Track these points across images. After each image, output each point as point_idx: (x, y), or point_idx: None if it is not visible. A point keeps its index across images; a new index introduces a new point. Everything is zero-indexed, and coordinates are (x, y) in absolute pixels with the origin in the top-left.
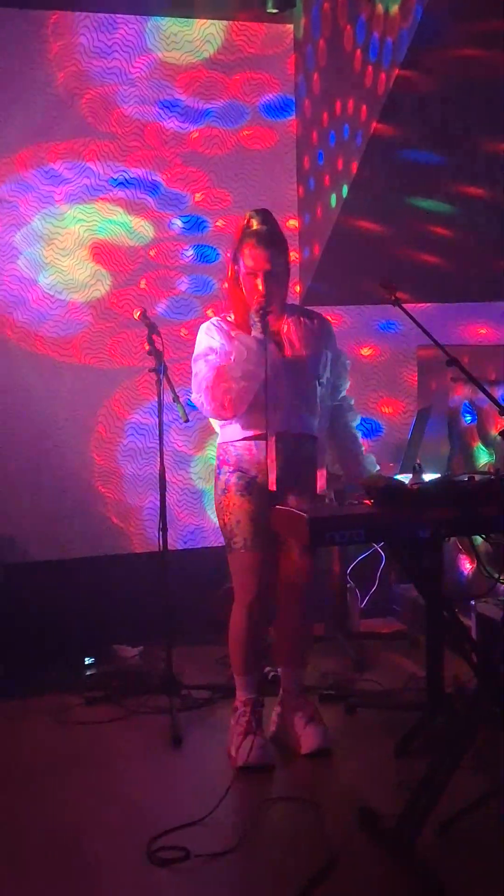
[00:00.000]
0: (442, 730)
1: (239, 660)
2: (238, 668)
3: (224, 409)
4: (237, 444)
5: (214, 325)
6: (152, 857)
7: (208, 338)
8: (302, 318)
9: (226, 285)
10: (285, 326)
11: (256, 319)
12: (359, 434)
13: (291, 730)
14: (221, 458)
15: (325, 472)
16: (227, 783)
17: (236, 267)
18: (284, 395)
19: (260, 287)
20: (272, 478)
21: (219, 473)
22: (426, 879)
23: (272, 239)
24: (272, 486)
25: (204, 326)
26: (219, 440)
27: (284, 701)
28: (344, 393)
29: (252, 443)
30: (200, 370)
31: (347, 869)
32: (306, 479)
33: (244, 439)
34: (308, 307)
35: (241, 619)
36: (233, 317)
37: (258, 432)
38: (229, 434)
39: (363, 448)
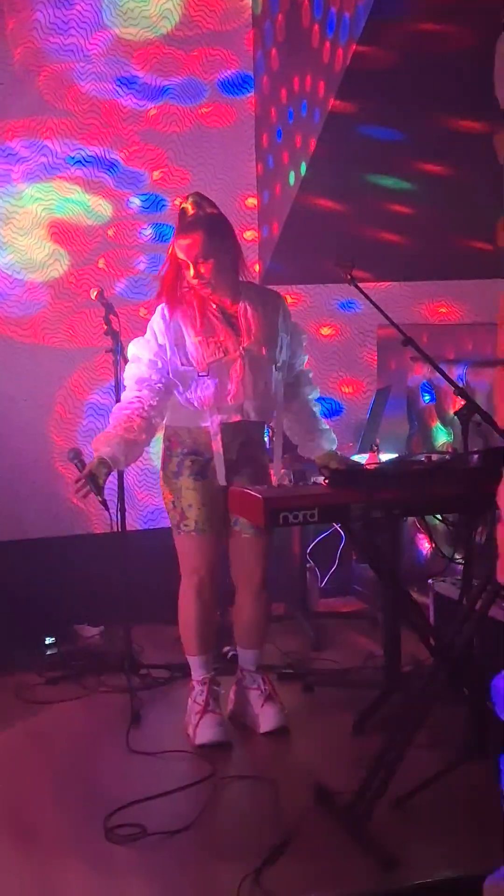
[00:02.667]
0: (398, 707)
1: (192, 641)
2: (191, 650)
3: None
4: (190, 429)
5: (166, 317)
6: (110, 834)
7: (146, 342)
8: (258, 301)
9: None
10: (243, 309)
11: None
12: (317, 408)
13: (249, 708)
14: (172, 439)
15: (279, 462)
16: (185, 761)
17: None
18: (239, 386)
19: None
20: (221, 472)
21: (170, 456)
22: (381, 855)
23: (210, 223)
24: (222, 481)
25: (157, 315)
26: (167, 422)
27: (241, 680)
28: (302, 367)
29: (204, 433)
30: (127, 377)
31: (303, 845)
32: (261, 467)
33: (196, 428)
34: (265, 286)
35: (191, 601)
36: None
37: (208, 423)
38: (181, 419)
39: (322, 423)
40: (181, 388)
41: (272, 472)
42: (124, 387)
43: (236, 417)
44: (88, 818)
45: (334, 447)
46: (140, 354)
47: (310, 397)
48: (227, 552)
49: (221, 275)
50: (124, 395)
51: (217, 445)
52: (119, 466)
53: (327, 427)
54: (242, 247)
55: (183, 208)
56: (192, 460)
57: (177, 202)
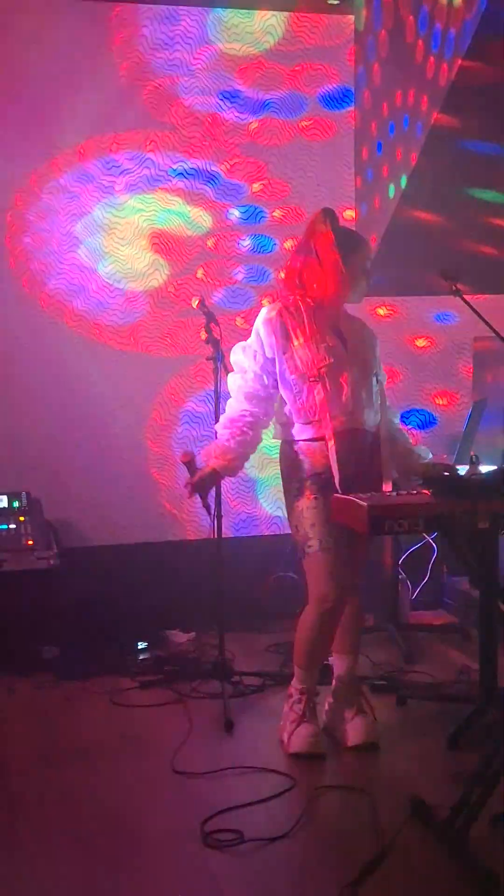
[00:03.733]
0: (493, 723)
1: (304, 657)
2: (301, 663)
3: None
4: (309, 444)
5: (273, 320)
6: (207, 839)
7: (252, 353)
8: (353, 320)
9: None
10: (344, 315)
11: None
12: (402, 428)
13: (340, 721)
14: (291, 460)
15: (390, 472)
16: (279, 769)
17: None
18: (350, 391)
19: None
20: (338, 478)
21: (289, 479)
22: (479, 871)
23: None
24: (339, 487)
25: (262, 319)
26: (282, 436)
27: (336, 691)
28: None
29: (318, 444)
30: (232, 389)
31: (400, 858)
32: (373, 476)
33: (313, 439)
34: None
35: (315, 624)
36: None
37: (323, 434)
38: (294, 433)
39: (411, 440)
40: (291, 398)
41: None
42: (228, 395)
43: (349, 424)
44: (184, 822)
45: (430, 457)
46: (245, 366)
47: (394, 420)
48: None
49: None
50: (231, 407)
51: (332, 454)
52: (229, 475)
53: (418, 445)
54: None
55: (331, 215)
56: (312, 480)
57: (276, 214)
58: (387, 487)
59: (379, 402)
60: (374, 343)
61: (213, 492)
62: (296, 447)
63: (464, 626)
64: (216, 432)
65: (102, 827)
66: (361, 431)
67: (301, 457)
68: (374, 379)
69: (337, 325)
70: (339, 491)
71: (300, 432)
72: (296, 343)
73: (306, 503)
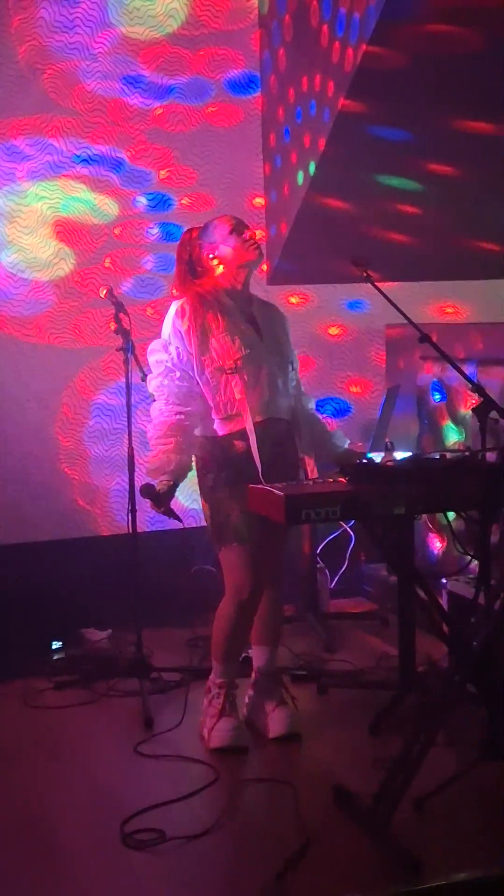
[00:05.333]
0: (415, 708)
1: (222, 649)
2: (218, 655)
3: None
4: (227, 438)
5: (186, 313)
6: (127, 839)
7: (168, 353)
8: (264, 305)
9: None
10: (257, 304)
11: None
12: (319, 415)
13: (261, 713)
14: (208, 452)
15: (311, 458)
16: (200, 765)
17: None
18: (268, 381)
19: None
20: (261, 471)
21: (204, 472)
22: (403, 856)
23: None
24: (262, 478)
25: (175, 313)
26: (200, 431)
27: (257, 683)
28: (297, 379)
29: (237, 437)
30: (157, 391)
31: (324, 848)
32: (290, 464)
33: (228, 435)
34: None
35: (233, 615)
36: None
37: (242, 427)
38: (210, 428)
39: (327, 426)
40: (210, 393)
41: (307, 468)
42: (140, 386)
43: (266, 415)
44: (104, 824)
45: (347, 444)
46: (167, 365)
47: (310, 407)
48: None
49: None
50: (160, 410)
51: (253, 447)
52: (180, 482)
53: (335, 430)
54: None
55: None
56: (227, 472)
57: (185, 201)
58: (312, 473)
59: (294, 388)
60: (288, 328)
61: (125, 487)
62: (213, 441)
63: (383, 612)
64: (153, 442)
65: (19, 831)
66: (278, 421)
67: (218, 450)
68: (290, 366)
69: (249, 312)
70: (263, 482)
71: (220, 427)
72: (211, 335)
73: (221, 495)
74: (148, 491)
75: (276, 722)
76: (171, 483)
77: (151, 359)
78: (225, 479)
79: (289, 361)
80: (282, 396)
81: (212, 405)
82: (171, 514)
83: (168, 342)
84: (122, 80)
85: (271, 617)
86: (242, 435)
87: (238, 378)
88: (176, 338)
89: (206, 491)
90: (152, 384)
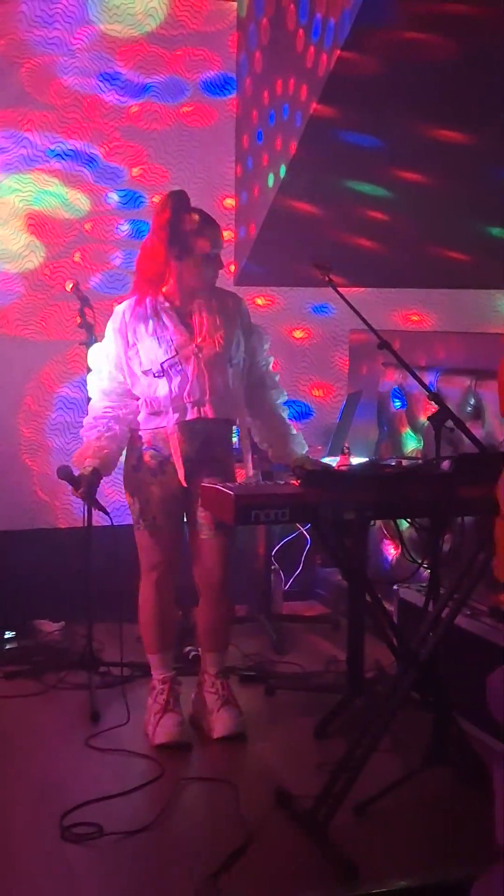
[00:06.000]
0: (361, 712)
1: (151, 637)
2: (151, 647)
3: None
4: (153, 431)
5: (120, 319)
6: (65, 833)
7: (105, 354)
8: (214, 299)
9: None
10: (198, 307)
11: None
12: (285, 412)
13: (206, 712)
14: (134, 437)
15: (249, 462)
16: (143, 761)
17: (174, 249)
18: (196, 382)
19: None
20: (180, 471)
21: (131, 450)
22: (340, 861)
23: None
24: (182, 480)
25: (111, 319)
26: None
27: (202, 682)
28: (265, 369)
29: (161, 435)
30: (91, 388)
31: (263, 848)
32: (225, 467)
33: (154, 429)
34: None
35: (150, 597)
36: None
37: (166, 425)
38: (144, 421)
39: (291, 428)
40: (142, 391)
41: (243, 471)
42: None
43: (193, 415)
44: (43, 816)
45: (305, 451)
46: (101, 366)
47: (277, 401)
48: (190, 554)
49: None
50: (94, 407)
51: (174, 444)
52: (105, 474)
53: (296, 432)
54: None
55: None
56: (150, 455)
57: (155, 199)
58: (240, 476)
59: (240, 390)
60: (239, 320)
61: None
62: (139, 432)
63: (335, 616)
64: (82, 433)
65: None
66: (210, 421)
67: (142, 441)
68: (228, 365)
69: (189, 314)
70: (182, 483)
71: (146, 422)
72: (139, 342)
73: (144, 478)
74: (64, 472)
75: (220, 722)
76: (94, 469)
77: (89, 360)
78: (146, 466)
79: (228, 359)
80: (218, 396)
81: (142, 401)
82: (96, 504)
83: (104, 345)
84: (99, 76)
85: (219, 624)
86: (165, 430)
87: (165, 380)
88: (109, 341)
89: (129, 471)
90: (89, 382)
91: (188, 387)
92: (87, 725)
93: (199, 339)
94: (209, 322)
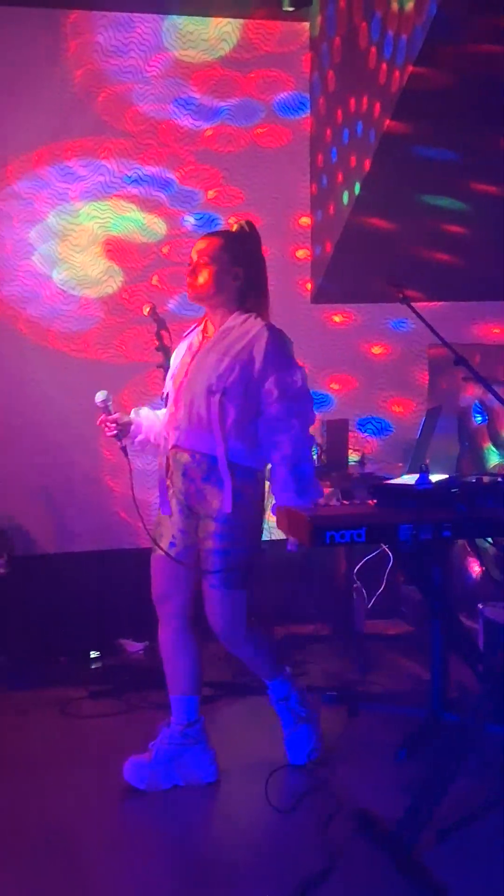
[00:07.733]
0: (445, 734)
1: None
2: (180, 690)
3: None
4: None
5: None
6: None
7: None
8: (234, 330)
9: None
10: (211, 328)
11: None
12: (283, 464)
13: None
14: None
15: (229, 493)
16: (228, 780)
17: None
18: (177, 412)
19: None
20: (160, 498)
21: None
22: (425, 884)
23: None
24: (161, 508)
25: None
26: None
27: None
28: (277, 415)
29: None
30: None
31: (346, 872)
32: (204, 501)
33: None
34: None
35: (162, 634)
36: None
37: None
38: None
39: (284, 479)
40: None
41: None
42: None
43: (176, 443)
44: (134, 837)
45: (277, 503)
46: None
47: (278, 452)
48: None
49: (216, 293)
50: None
51: (161, 472)
52: (140, 431)
53: (293, 479)
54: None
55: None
56: (162, 491)
57: (230, 220)
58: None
59: (225, 421)
60: (242, 352)
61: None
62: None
63: (419, 635)
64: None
65: (46, 841)
66: (185, 451)
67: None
68: (208, 391)
69: (202, 341)
70: (163, 511)
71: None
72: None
73: (159, 511)
74: (106, 398)
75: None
76: (126, 417)
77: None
78: (161, 496)
79: (208, 392)
80: (192, 429)
81: None
82: (120, 434)
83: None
84: (174, 102)
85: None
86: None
87: (166, 407)
88: None
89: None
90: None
91: (178, 415)
92: None
93: (193, 367)
94: (209, 351)
